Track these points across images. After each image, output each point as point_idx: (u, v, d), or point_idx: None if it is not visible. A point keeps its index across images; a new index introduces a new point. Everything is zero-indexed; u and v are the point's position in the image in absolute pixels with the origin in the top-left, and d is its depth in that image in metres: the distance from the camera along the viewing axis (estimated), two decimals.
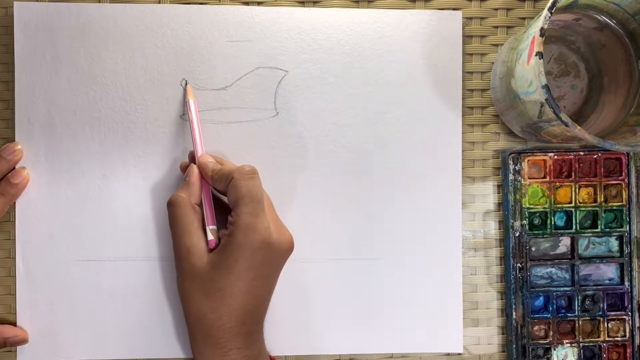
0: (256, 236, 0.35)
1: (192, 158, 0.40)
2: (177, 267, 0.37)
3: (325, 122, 0.42)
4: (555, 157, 0.42)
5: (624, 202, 0.42)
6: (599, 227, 0.42)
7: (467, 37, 0.43)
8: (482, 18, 0.43)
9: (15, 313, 0.41)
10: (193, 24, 0.41)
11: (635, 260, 0.42)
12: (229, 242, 0.35)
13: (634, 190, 0.42)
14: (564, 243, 0.43)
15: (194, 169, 0.38)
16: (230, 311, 0.35)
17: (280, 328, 0.42)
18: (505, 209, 0.42)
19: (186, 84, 0.41)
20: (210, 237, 0.37)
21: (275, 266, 0.37)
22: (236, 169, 0.37)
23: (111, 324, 0.41)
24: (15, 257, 0.41)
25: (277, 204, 0.41)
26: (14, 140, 0.40)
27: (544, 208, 0.42)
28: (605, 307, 0.42)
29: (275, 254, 0.36)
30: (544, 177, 0.42)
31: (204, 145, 0.40)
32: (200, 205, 0.38)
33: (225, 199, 0.38)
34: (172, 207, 0.37)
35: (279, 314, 0.42)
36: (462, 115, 0.42)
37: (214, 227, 0.37)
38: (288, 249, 0.37)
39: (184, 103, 0.41)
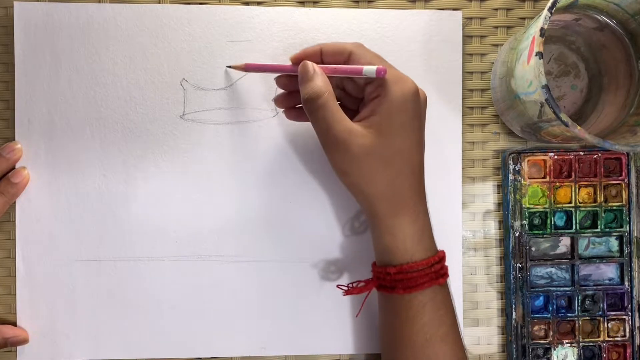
0: (407, 84, 0.34)
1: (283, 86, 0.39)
2: (342, 157, 0.34)
3: None
4: (555, 157, 0.42)
5: (624, 202, 0.42)
6: (599, 227, 0.42)
7: (467, 37, 0.43)
8: (482, 18, 0.43)
9: (15, 313, 0.41)
10: (193, 24, 0.41)
11: (635, 260, 0.42)
12: (386, 102, 0.34)
13: (634, 190, 0.42)
14: (564, 243, 0.43)
15: (307, 62, 0.35)
16: (412, 168, 0.35)
17: (280, 328, 0.42)
18: (505, 209, 0.42)
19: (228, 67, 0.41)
20: (374, 67, 0.34)
21: (424, 114, 0.36)
22: (347, 44, 0.36)
23: (111, 324, 0.41)
24: (15, 257, 0.41)
25: (277, 204, 0.42)
26: (14, 140, 0.40)
27: (544, 208, 0.42)
28: (605, 307, 0.42)
29: (423, 99, 0.36)
30: (544, 177, 0.42)
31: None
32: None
33: None
34: (320, 97, 0.34)
35: (279, 314, 0.42)
36: (462, 115, 0.42)
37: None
38: (425, 96, 0.36)
39: (183, 102, 0.41)
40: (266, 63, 0.40)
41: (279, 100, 0.40)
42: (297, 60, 0.37)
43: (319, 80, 0.35)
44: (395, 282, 0.35)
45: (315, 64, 0.35)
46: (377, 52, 0.36)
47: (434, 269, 0.35)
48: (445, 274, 0.36)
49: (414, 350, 0.35)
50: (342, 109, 0.35)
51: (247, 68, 0.39)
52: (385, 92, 0.34)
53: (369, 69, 0.34)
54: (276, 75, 0.39)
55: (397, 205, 0.35)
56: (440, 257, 0.36)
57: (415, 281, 0.34)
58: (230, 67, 0.41)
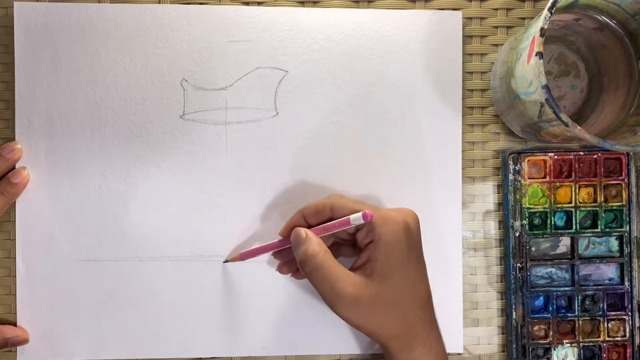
0: (397, 221, 0.35)
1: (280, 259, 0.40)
2: (353, 311, 0.35)
3: (325, 122, 0.42)
4: (555, 157, 0.42)
5: (624, 202, 0.42)
6: (599, 227, 0.42)
7: (467, 37, 0.43)
8: (482, 18, 0.43)
9: (16, 313, 0.41)
10: (193, 24, 0.41)
11: (635, 260, 0.42)
12: (380, 245, 0.35)
13: (634, 190, 0.42)
14: (564, 243, 0.43)
15: (302, 228, 0.37)
16: (419, 300, 0.36)
17: (280, 328, 0.42)
18: (505, 209, 0.42)
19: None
20: (360, 212, 0.34)
21: (419, 239, 0.37)
22: (327, 199, 0.37)
23: (111, 324, 0.41)
24: (15, 257, 0.41)
25: (277, 204, 0.41)
26: (14, 140, 0.40)
27: (544, 208, 0.42)
28: (605, 307, 0.42)
29: (415, 229, 0.36)
30: (544, 177, 0.42)
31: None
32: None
33: None
34: (315, 258, 0.35)
35: (279, 314, 0.42)
36: (462, 115, 0.42)
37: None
38: (418, 221, 0.37)
39: (183, 102, 0.41)
40: (259, 246, 0.40)
41: (282, 269, 0.40)
42: (286, 233, 0.38)
43: (311, 242, 0.36)
44: None
45: (306, 229, 0.37)
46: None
47: None
48: None
49: None
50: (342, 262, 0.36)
51: (243, 257, 0.40)
52: (376, 237, 0.35)
53: (356, 217, 0.35)
54: (272, 252, 0.40)
55: (410, 340, 0.36)
56: None
57: None
58: (226, 261, 0.41)
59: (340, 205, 0.36)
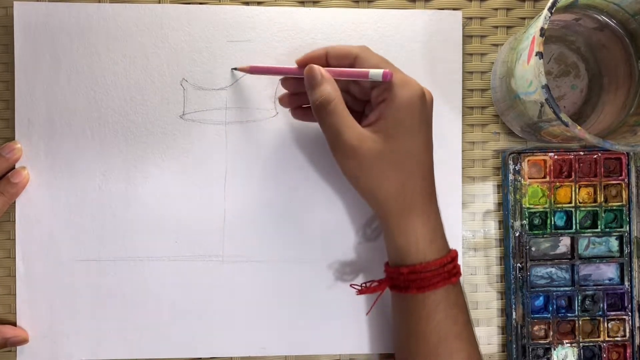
0: (414, 87, 0.34)
1: (288, 88, 0.39)
2: (352, 163, 0.35)
3: None
4: (555, 157, 0.42)
5: (624, 202, 0.42)
6: (599, 227, 0.42)
7: (467, 37, 0.43)
8: (482, 18, 0.43)
9: (15, 313, 0.41)
10: (193, 24, 0.41)
11: (635, 260, 0.42)
12: (392, 106, 0.34)
13: (634, 190, 0.42)
14: (564, 243, 0.43)
15: (314, 67, 0.35)
16: (422, 171, 0.35)
17: (280, 328, 0.42)
18: (505, 209, 0.42)
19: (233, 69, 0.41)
20: (381, 70, 0.34)
21: (431, 114, 0.36)
22: (353, 48, 0.36)
23: (111, 324, 0.41)
24: (15, 257, 0.41)
25: (277, 204, 0.41)
26: (14, 140, 0.40)
27: (544, 208, 0.42)
28: (605, 307, 0.42)
29: (430, 101, 0.36)
30: (544, 177, 0.42)
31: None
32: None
33: None
34: (330, 104, 0.34)
35: (279, 314, 0.42)
36: (462, 115, 0.42)
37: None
38: (432, 97, 0.36)
39: (183, 102, 0.41)
40: (271, 65, 0.40)
41: (284, 100, 0.40)
42: (303, 64, 0.37)
43: (328, 85, 0.35)
44: (408, 282, 0.35)
45: (322, 68, 0.35)
46: (379, 53, 0.36)
47: (447, 269, 0.35)
48: (457, 273, 0.36)
49: (429, 348, 0.35)
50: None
51: (252, 70, 0.39)
52: (391, 96, 0.34)
53: (375, 73, 0.34)
54: (281, 77, 0.39)
55: (409, 207, 0.35)
56: (453, 256, 0.36)
57: (428, 281, 0.35)
58: (235, 69, 0.41)
59: (365, 57, 0.36)
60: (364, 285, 0.38)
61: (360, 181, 0.35)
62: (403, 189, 0.35)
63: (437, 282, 0.35)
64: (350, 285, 0.40)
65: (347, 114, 0.35)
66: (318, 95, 0.35)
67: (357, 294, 0.38)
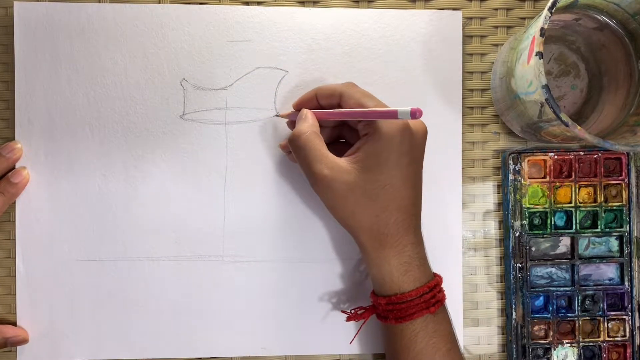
0: (396, 122, 0.35)
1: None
2: (326, 192, 0.36)
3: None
4: (555, 157, 0.42)
5: (624, 202, 0.42)
6: (599, 227, 0.42)
7: (467, 37, 0.43)
8: (482, 18, 0.43)
9: (15, 313, 0.41)
10: (193, 24, 0.41)
11: (635, 260, 0.42)
12: (373, 139, 0.35)
13: (634, 190, 0.42)
14: (564, 243, 0.43)
15: (305, 110, 0.38)
16: (398, 204, 0.35)
17: (280, 328, 0.42)
18: (505, 209, 0.42)
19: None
20: (408, 108, 0.34)
21: (421, 149, 0.37)
22: (338, 85, 0.38)
23: (111, 324, 0.41)
24: (15, 257, 0.41)
25: (277, 204, 0.41)
26: (14, 140, 0.40)
27: (544, 208, 0.42)
28: (605, 307, 0.42)
29: (416, 136, 0.36)
30: (544, 177, 0.42)
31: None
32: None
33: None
34: (300, 137, 0.36)
35: (279, 314, 0.42)
36: (462, 115, 0.42)
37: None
38: (425, 132, 0.37)
39: (183, 102, 0.41)
40: (289, 112, 0.40)
41: (284, 146, 0.41)
42: (298, 107, 0.39)
43: (303, 122, 0.37)
44: (387, 312, 0.36)
45: (307, 110, 0.38)
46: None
47: (424, 299, 0.35)
48: (438, 302, 0.36)
49: None
50: (347, 145, 0.37)
51: (291, 115, 0.40)
52: (373, 130, 0.35)
53: (404, 111, 0.33)
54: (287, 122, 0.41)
55: (381, 239, 0.36)
56: (431, 286, 0.36)
57: (405, 312, 0.35)
58: (278, 115, 0.42)
59: (349, 94, 0.36)
60: (352, 311, 0.39)
61: (336, 211, 0.36)
62: (377, 221, 0.35)
63: (413, 313, 0.35)
64: (341, 311, 0.41)
65: (319, 146, 0.36)
66: (293, 131, 0.37)
67: (346, 321, 0.39)
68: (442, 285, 0.37)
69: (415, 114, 0.32)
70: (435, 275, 0.37)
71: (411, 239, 0.36)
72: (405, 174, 0.35)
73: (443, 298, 0.37)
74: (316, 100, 0.38)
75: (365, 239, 0.36)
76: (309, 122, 0.37)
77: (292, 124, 0.40)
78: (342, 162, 0.35)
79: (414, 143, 0.36)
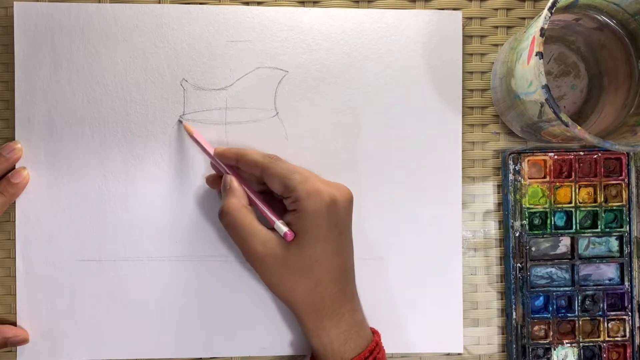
0: (322, 196, 0.35)
1: (216, 171, 0.40)
2: (260, 268, 0.36)
3: (325, 122, 0.42)
4: (555, 157, 0.42)
5: (624, 202, 0.42)
6: (599, 227, 0.42)
7: (467, 37, 0.43)
8: (482, 18, 0.43)
9: (15, 313, 0.41)
10: (193, 24, 0.41)
11: (635, 260, 0.42)
12: (301, 217, 0.35)
13: (634, 190, 0.42)
14: (564, 243, 0.43)
15: (229, 176, 0.38)
16: (332, 276, 0.36)
17: (280, 328, 0.42)
18: (505, 209, 0.42)
19: (180, 122, 0.41)
20: (284, 229, 0.36)
21: (348, 219, 0.37)
22: (263, 159, 0.37)
23: (111, 324, 0.41)
24: (15, 257, 0.41)
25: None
26: (14, 140, 0.40)
27: (544, 208, 0.42)
28: (605, 307, 0.42)
29: (343, 207, 0.36)
30: (544, 177, 0.42)
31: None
32: (251, 205, 0.38)
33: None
34: (228, 215, 0.36)
35: (279, 314, 0.42)
36: (462, 115, 0.42)
37: (280, 221, 0.37)
38: (350, 199, 0.37)
39: (183, 102, 0.41)
40: (205, 142, 0.40)
41: (209, 180, 0.40)
42: (220, 155, 0.39)
43: (230, 196, 0.37)
44: None
45: (233, 179, 0.38)
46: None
47: None
48: None
49: None
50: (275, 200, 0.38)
51: (194, 136, 0.40)
52: (299, 207, 0.35)
53: (279, 227, 0.36)
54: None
55: (318, 311, 0.36)
56: (371, 349, 0.37)
57: None
58: (180, 121, 0.41)
59: (271, 172, 0.36)
60: None
61: (271, 285, 0.37)
62: (312, 295, 0.36)
63: None
64: None
65: (249, 221, 0.36)
66: (221, 206, 0.37)
67: None
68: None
69: (286, 235, 0.35)
70: (373, 333, 0.38)
71: (349, 306, 0.37)
72: (336, 246, 0.36)
73: (383, 356, 0.38)
74: (235, 161, 0.38)
75: (303, 312, 0.36)
76: (235, 195, 0.37)
77: (214, 168, 0.40)
78: (275, 237, 0.36)
79: (340, 215, 0.36)
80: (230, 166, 0.39)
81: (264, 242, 0.36)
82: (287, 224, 0.36)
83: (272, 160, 0.37)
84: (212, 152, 0.39)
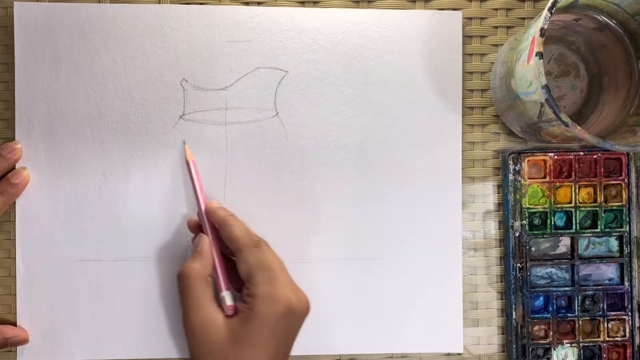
0: (277, 305, 0.34)
1: (198, 219, 0.40)
2: (192, 343, 0.35)
3: (325, 122, 0.42)
4: (555, 157, 0.42)
5: (624, 202, 0.42)
6: (599, 227, 0.42)
7: (467, 37, 0.43)
8: (482, 18, 0.43)
9: (15, 313, 0.41)
10: (193, 24, 0.41)
11: (635, 260, 0.42)
12: (250, 315, 0.34)
13: (634, 190, 0.42)
14: (564, 243, 0.43)
15: (205, 239, 0.38)
16: None
17: None
18: (505, 209, 0.42)
19: (184, 143, 0.41)
20: (229, 302, 0.36)
21: (295, 331, 0.36)
22: (242, 240, 0.36)
23: (111, 324, 0.41)
24: (15, 257, 0.41)
25: (276, 205, 0.41)
26: (14, 140, 0.40)
27: (544, 208, 0.42)
28: (605, 307, 0.42)
29: (296, 318, 0.36)
30: (544, 177, 0.42)
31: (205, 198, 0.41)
32: (211, 275, 0.37)
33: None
34: (183, 280, 0.36)
35: None
36: (462, 115, 0.42)
37: (229, 292, 0.37)
38: (306, 312, 0.36)
39: (183, 102, 0.41)
40: (197, 183, 0.40)
41: (189, 225, 0.40)
42: (209, 211, 0.38)
43: (197, 259, 0.36)
44: None
45: (207, 242, 0.37)
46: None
47: None
48: None
49: None
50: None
51: (190, 166, 0.40)
52: (252, 306, 0.34)
53: (224, 298, 0.36)
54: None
55: None
56: None
57: None
58: (184, 143, 0.41)
59: (243, 257, 0.36)
60: None
61: None
62: None
63: None
64: None
65: (201, 294, 0.35)
66: (182, 267, 0.36)
67: None
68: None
69: (227, 308, 0.36)
70: None
71: None
72: (272, 353, 0.35)
73: None
74: (218, 226, 0.38)
75: None
76: (201, 261, 0.36)
77: (198, 215, 0.40)
78: (218, 320, 0.35)
79: (289, 326, 0.35)
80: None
81: (205, 321, 0.35)
82: (233, 314, 0.35)
83: (251, 244, 0.36)
84: (203, 205, 0.39)
